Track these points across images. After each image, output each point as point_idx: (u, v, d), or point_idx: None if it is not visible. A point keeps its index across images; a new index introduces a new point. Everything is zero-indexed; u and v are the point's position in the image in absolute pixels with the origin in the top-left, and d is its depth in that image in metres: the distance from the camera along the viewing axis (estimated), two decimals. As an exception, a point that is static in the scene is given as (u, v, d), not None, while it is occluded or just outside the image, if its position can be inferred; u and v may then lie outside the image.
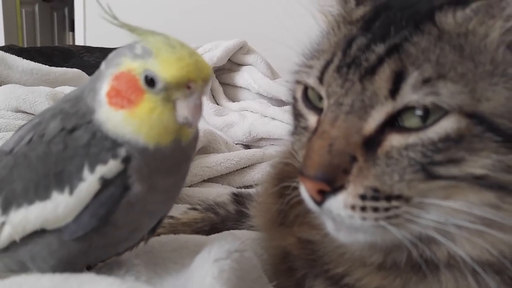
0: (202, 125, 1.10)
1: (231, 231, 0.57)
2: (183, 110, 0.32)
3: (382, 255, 0.36)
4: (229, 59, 1.24)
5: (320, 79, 0.36)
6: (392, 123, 0.32)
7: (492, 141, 0.30)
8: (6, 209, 0.35)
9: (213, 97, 1.22)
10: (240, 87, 1.24)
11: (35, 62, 1.06)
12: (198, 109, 0.32)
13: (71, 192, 0.34)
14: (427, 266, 0.34)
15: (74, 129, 0.34)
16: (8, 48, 1.26)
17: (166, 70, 0.31)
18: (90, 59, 1.32)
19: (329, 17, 0.41)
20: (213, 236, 0.51)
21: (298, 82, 0.40)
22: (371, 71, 0.32)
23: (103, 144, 0.33)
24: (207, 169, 0.82)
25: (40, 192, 0.34)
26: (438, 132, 0.30)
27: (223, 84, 1.26)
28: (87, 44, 1.99)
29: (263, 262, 0.47)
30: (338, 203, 0.32)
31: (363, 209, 0.32)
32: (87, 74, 1.12)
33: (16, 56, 1.04)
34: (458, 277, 0.34)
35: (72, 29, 2.98)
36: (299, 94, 0.39)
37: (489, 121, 0.30)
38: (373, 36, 0.34)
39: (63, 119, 0.35)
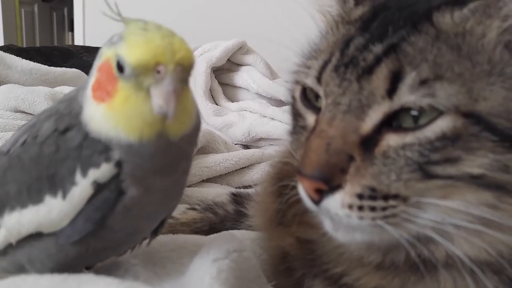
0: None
1: (230, 231, 0.57)
2: (156, 98, 0.29)
3: (381, 254, 0.36)
4: (228, 59, 1.24)
5: (318, 79, 0.36)
6: (389, 122, 0.32)
7: (489, 140, 0.30)
8: (0, 212, 0.35)
9: (212, 97, 1.22)
10: (239, 87, 1.24)
11: (34, 62, 1.06)
12: (171, 97, 0.29)
13: (64, 196, 0.32)
14: (426, 266, 0.34)
15: (67, 130, 0.33)
16: (7, 48, 1.26)
17: (131, 52, 0.29)
18: (89, 59, 1.32)
19: (328, 17, 0.41)
20: (212, 236, 0.51)
21: (297, 82, 0.40)
22: (369, 70, 0.33)
23: (95, 147, 0.32)
24: (206, 169, 0.81)
25: (33, 195, 0.34)
26: (435, 131, 0.30)
27: (222, 84, 1.26)
28: (86, 44, 1.98)
29: (262, 262, 0.47)
30: (335, 202, 0.32)
31: (361, 208, 0.32)
32: (86, 74, 1.12)
33: (15, 56, 1.04)
34: (457, 277, 0.34)
35: (71, 29, 2.97)
36: (297, 94, 0.39)
37: (486, 120, 0.30)
38: (371, 36, 0.34)
39: (57, 120, 0.34)
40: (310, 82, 0.37)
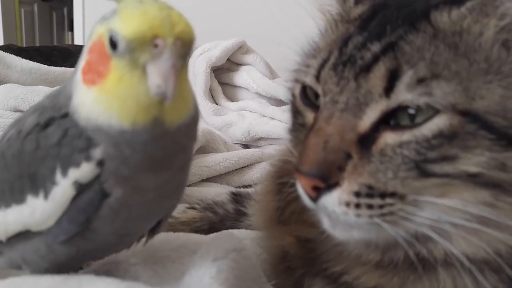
0: (201, 125, 1.09)
1: (230, 230, 0.56)
2: (153, 76, 0.26)
3: (380, 253, 0.36)
4: (228, 59, 1.24)
5: (317, 77, 0.36)
6: (387, 121, 0.32)
7: (486, 138, 0.30)
8: None
9: (212, 96, 1.22)
10: (239, 86, 1.24)
11: (34, 61, 1.06)
12: (170, 74, 0.26)
13: (46, 196, 0.31)
14: (425, 264, 0.34)
15: (48, 125, 0.31)
16: (7, 48, 1.26)
17: (126, 25, 0.26)
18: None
19: (328, 16, 0.41)
20: (211, 235, 0.51)
21: (296, 80, 0.40)
22: (366, 69, 0.33)
23: (75, 144, 0.29)
24: (205, 168, 0.81)
25: (15, 194, 0.32)
26: (432, 129, 0.30)
27: (222, 83, 1.25)
28: (86, 44, 1.98)
29: (262, 261, 0.47)
30: (332, 199, 0.32)
31: (358, 206, 0.32)
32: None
33: (15, 56, 1.04)
34: (456, 275, 0.34)
35: (71, 29, 2.97)
36: (297, 92, 0.40)
37: (483, 119, 0.30)
38: (369, 34, 0.34)
39: (39, 114, 0.32)
40: (309, 80, 0.37)
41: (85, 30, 2.30)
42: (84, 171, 0.29)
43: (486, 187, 0.31)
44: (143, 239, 0.39)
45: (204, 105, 1.13)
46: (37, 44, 3.20)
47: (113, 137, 0.28)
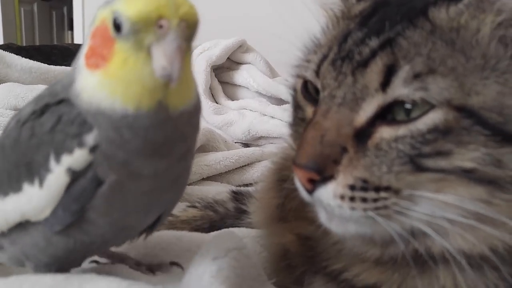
0: (201, 124, 1.09)
1: (230, 229, 0.57)
2: (158, 58, 0.26)
3: (379, 249, 0.36)
4: (228, 58, 1.24)
5: (317, 72, 0.36)
6: (383, 116, 0.32)
7: (481, 134, 0.30)
8: None
9: (212, 95, 1.22)
10: (239, 85, 1.24)
11: (33, 60, 1.06)
12: (176, 55, 0.26)
13: (41, 184, 0.31)
14: (425, 261, 0.34)
15: (43, 112, 0.31)
16: (6, 47, 1.25)
17: (130, 6, 0.26)
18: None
19: (330, 12, 0.42)
20: (212, 234, 0.51)
21: (298, 76, 0.41)
22: (364, 64, 0.33)
23: (68, 130, 0.29)
24: (206, 167, 0.81)
25: (12, 183, 0.32)
26: (427, 124, 0.31)
27: (222, 82, 1.26)
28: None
29: (262, 259, 0.47)
30: (327, 192, 0.33)
31: (352, 199, 0.32)
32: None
33: (14, 55, 1.04)
34: (456, 272, 0.34)
35: (71, 28, 2.97)
36: (299, 87, 0.40)
37: (478, 114, 0.30)
38: (368, 30, 0.35)
39: (37, 102, 0.32)
40: (310, 75, 0.37)
41: (85, 29, 2.30)
42: (77, 157, 0.29)
43: (481, 184, 0.31)
44: (142, 237, 0.39)
45: (205, 104, 1.13)
46: (37, 43, 3.20)
47: (115, 121, 0.28)
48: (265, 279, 0.39)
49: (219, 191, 0.70)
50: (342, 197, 0.32)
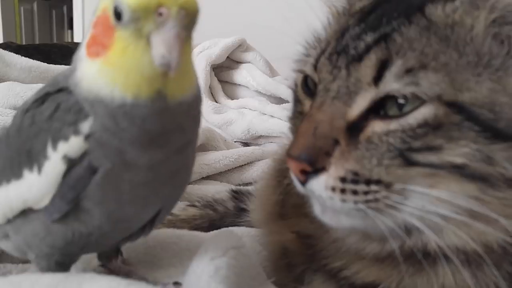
0: (202, 117, 1.09)
1: (229, 228, 0.57)
2: (158, 46, 0.26)
3: (376, 245, 0.36)
4: (228, 57, 1.24)
5: (315, 67, 0.37)
6: (377, 110, 0.33)
7: (472, 130, 0.30)
8: None
9: (212, 94, 1.22)
10: (239, 84, 1.24)
11: (33, 59, 1.06)
12: (175, 43, 0.26)
13: (39, 171, 0.31)
14: (424, 258, 0.34)
15: (44, 101, 0.32)
16: (6, 46, 1.25)
17: None
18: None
19: (332, 9, 0.42)
20: (210, 233, 0.51)
21: (299, 70, 0.41)
22: (358, 58, 0.33)
23: (65, 118, 0.30)
24: (205, 166, 0.81)
25: (15, 170, 0.33)
26: (417, 118, 0.31)
27: (221, 81, 1.25)
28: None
29: (262, 258, 0.47)
30: (319, 184, 0.33)
31: (343, 191, 0.33)
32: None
33: (14, 54, 1.04)
34: (455, 269, 0.34)
35: (70, 27, 2.97)
36: (299, 81, 0.40)
37: (469, 110, 0.30)
38: (365, 26, 0.35)
39: (40, 91, 0.33)
40: (309, 69, 0.38)
41: (84, 28, 2.29)
42: (72, 145, 0.29)
43: (472, 180, 0.31)
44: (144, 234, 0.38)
45: (204, 103, 1.13)
46: (37, 42, 3.20)
47: (112, 109, 0.28)
48: (264, 278, 0.39)
49: (218, 190, 0.70)
50: (333, 189, 0.33)
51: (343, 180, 0.32)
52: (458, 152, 0.30)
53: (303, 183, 0.34)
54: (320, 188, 0.33)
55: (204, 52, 1.21)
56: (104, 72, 0.28)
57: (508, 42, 0.32)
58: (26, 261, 0.48)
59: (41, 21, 3.38)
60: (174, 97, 0.28)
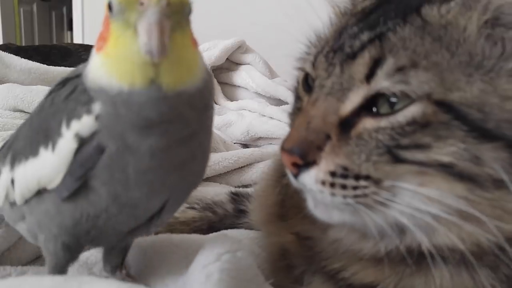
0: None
1: (224, 231, 0.57)
2: (141, 34, 0.27)
3: (372, 245, 0.36)
4: (227, 58, 1.24)
5: (314, 64, 0.38)
6: (370, 108, 0.33)
7: (460, 129, 0.31)
8: (12, 166, 0.36)
9: (211, 96, 1.22)
10: (239, 86, 1.24)
11: (32, 61, 1.06)
12: (153, 29, 0.27)
13: (53, 149, 0.33)
14: (421, 259, 0.34)
15: (65, 84, 0.34)
16: (5, 47, 1.26)
17: None
18: (88, 57, 1.32)
19: (336, 9, 0.43)
20: (207, 237, 0.51)
21: (299, 68, 0.42)
22: (353, 56, 0.34)
23: (80, 98, 0.31)
24: (205, 168, 0.81)
25: (33, 148, 0.34)
26: (406, 116, 0.31)
27: (221, 83, 1.26)
28: (85, 43, 1.98)
29: (261, 260, 0.47)
30: (310, 177, 0.34)
31: (332, 185, 0.33)
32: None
33: (14, 55, 1.04)
34: (453, 272, 0.34)
35: (70, 28, 2.97)
36: (300, 79, 0.41)
37: (458, 110, 0.31)
38: (363, 25, 0.35)
39: (63, 77, 0.35)
40: (308, 67, 0.38)
41: (84, 29, 2.30)
42: (84, 123, 0.31)
43: (461, 180, 0.31)
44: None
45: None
46: (36, 44, 3.20)
47: (112, 96, 0.30)
48: (262, 280, 0.39)
49: (218, 192, 0.70)
50: (323, 183, 0.33)
51: (333, 174, 0.33)
52: (445, 151, 0.31)
53: (295, 176, 0.35)
54: (311, 181, 0.34)
55: (204, 53, 1.21)
56: (103, 63, 0.30)
57: (502, 43, 0.32)
58: (25, 264, 0.49)
59: (41, 22, 3.38)
60: (171, 87, 0.29)
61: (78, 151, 0.32)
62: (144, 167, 0.31)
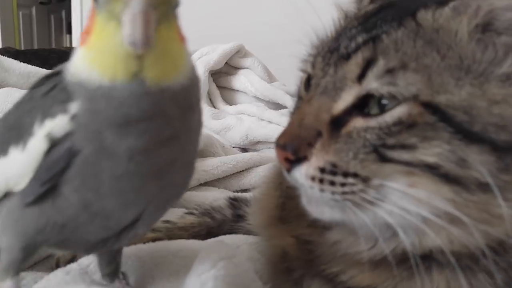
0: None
1: (222, 237, 0.56)
2: (125, 25, 0.26)
3: (368, 248, 0.36)
4: (226, 63, 1.24)
5: (313, 64, 0.38)
6: (362, 108, 0.34)
7: (446, 131, 0.31)
8: None
9: (210, 100, 1.22)
10: (237, 90, 1.24)
11: (31, 64, 1.05)
12: (137, 19, 0.25)
13: (23, 148, 0.31)
14: (418, 264, 0.34)
15: (46, 80, 0.33)
16: (4, 51, 1.26)
17: None
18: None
19: (341, 12, 0.43)
20: (204, 244, 0.51)
21: (302, 70, 0.42)
22: (347, 56, 0.35)
23: (58, 96, 0.30)
24: (203, 172, 0.81)
25: (4, 146, 0.33)
26: (393, 116, 0.32)
27: (220, 87, 1.26)
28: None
29: (260, 264, 0.47)
30: (301, 173, 0.34)
31: (321, 181, 0.34)
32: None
33: (13, 60, 1.04)
34: (450, 277, 0.34)
35: (69, 31, 2.98)
36: (303, 80, 0.42)
37: (444, 112, 0.31)
38: (362, 28, 0.36)
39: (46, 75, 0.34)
40: (308, 67, 0.39)
41: (83, 33, 2.29)
42: (57, 123, 0.29)
43: (447, 182, 0.31)
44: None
45: (203, 109, 1.13)
46: (35, 47, 3.20)
47: (91, 90, 0.28)
48: (259, 285, 0.39)
49: (216, 197, 0.70)
50: (313, 178, 0.34)
51: (322, 170, 0.34)
52: (431, 152, 0.31)
53: (288, 171, 0.35)
54: (302, 177, 0.34)
55: (203, 58, 1.21)
56: (85, 56, 0.29)
57: (493, 48, 0.32)
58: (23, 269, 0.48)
59: (40, 26, 3.39)
60: (154, 82, 0.28)
61: (48, 152, 0.30)
62: (120, 172, 0.29)
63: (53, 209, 0.31)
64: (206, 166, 0.82)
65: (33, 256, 0.36)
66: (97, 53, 0.28)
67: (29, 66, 1.04)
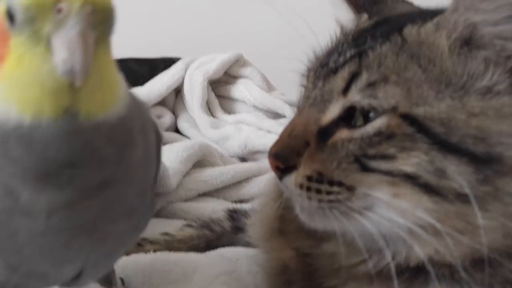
0: (197, 138, 1.10)
1: (222, 250, 0.56)
2: (59, 49, 0.21)
3: (363, 259, 0.37)
4: (225, 72, 1.24)
5: (307, 78, 0.40)
6: (349, 120, 0.35)
7: (423, 142, 0.32)
8: None
9: (209, 109, 1.22)
10: (236, 99, 1.24)
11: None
12: (77, 43, 0.21)
13: None
14: (416, 275, 0.35)
15: None
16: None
17: None
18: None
19: (342, 29, 0.44)
20: (204, 256, 0.50)
21: (301, 85, 0.43)
22: (335, 70, 0.37)
23: None
24: (202, 183, 0.81)
25: None
26: (374, 127, 0.33)
27: (219, 96, 1.26)
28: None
29: (260, 279, 0.47)
30: (290, 181, 0.36)
31: (309, 189, 0.35)
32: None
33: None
34: None
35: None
36: (301, 94, 0.43)
37: (422, 123, 0.32)
38: (353, 43, 0.38)
39: None
40: (305, 81, 0.41)
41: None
42: None
43: (426, 192, 0.32)
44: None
45: (201, 118, 1.13)
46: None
47: (5, 132, 0.23)
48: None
49: (215, 209, 0.70)
50: (301, 186, 0.35)
51: (309, 178, 0.35)
52: (410, 162, 0.32)
53: (280, 179, 0.37)
54: (291, 185, 0.36)
55: (201, 67, 1.21)
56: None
57: (474, 62, 0.33)
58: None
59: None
60: (89, 115, 0.23)
61: None
62: (40, 231, 0.25)
63: None
64: (205, 177, 0.82)
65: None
66: (15, 85, 0.22)
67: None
